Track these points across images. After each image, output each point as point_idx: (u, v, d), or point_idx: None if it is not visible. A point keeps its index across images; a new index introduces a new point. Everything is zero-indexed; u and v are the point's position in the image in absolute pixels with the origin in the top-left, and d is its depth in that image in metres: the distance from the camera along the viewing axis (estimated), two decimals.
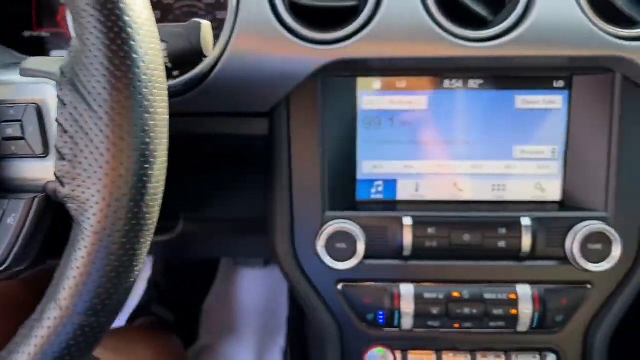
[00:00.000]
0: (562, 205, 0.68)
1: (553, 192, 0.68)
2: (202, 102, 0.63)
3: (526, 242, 0.64)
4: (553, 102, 0.66)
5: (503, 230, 0.64)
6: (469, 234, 0.64)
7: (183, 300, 1.39)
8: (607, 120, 0.63)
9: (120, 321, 1.45)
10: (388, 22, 0.58)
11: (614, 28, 0.59)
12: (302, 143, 0.65)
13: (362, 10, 0.59)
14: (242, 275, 1.53)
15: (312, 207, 0.65)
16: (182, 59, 0.48)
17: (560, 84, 0.65)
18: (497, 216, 0.65)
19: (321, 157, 0.64)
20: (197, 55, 0.48)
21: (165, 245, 0.93)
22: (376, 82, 0.66)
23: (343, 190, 0.68)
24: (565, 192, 0.68)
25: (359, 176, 0.69)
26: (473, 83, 0.66)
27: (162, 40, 0.47)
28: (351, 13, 0.60)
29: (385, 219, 0.65)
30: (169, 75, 0.59)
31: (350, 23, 0.59)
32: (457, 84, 0.66)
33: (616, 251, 0.63)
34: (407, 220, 0.65)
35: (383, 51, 0.59)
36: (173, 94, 0.62)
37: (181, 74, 0.60)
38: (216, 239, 0.92)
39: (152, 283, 1.41)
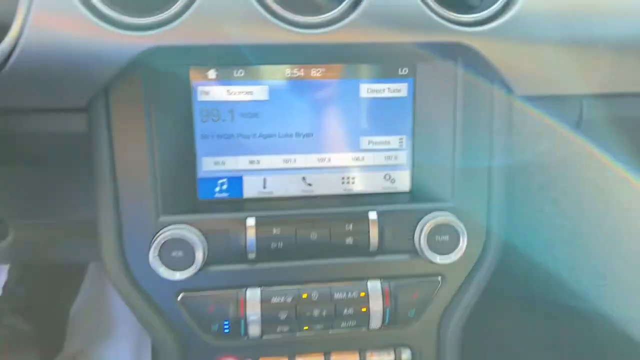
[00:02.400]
0: (412, 196, 0.66)
1: (402, 183, 0.66)
2: (5, 94, 0.54)
3: (374, 236, 0.61)
4: (398, 90, 0.63)
5: (350, 226, 0.61)
6: (316, 231, 0.61)
7: (45, 307, 1.27)
8: (451, 108, 0.62)
9: None
10: (211, 6, 0.52)
11: (451, 13, 0.57)
12: (126, 141, 0.57)
13: None
14: None
15: (142, 212, 0.59)
16: None
17: (404, 71, 0.63)
18: (344, 211, 0.62)
19: (150, 156, 0.58)
20: None
21: (2, 253, 0.82)
22: (211, 72, 0.60)
23: (183, 191, 0.62)
24: (414, 182, 0.66)
25: (199, 174, 0.63)
26: (315, 71, 0.61)
27: None
28: None
29: (227, 221, 0.60)
30: None
31: (169, 6, 0.52)
32: (299, 72, 0.61)
33: (463, 242, 0.62)
34: (250, 221, 0.60)
35: (204, 38, 0.53)
36: None
37: None
38: (58, 243, 0.82)
39: (7, 292, 1.28)
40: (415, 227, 0.62)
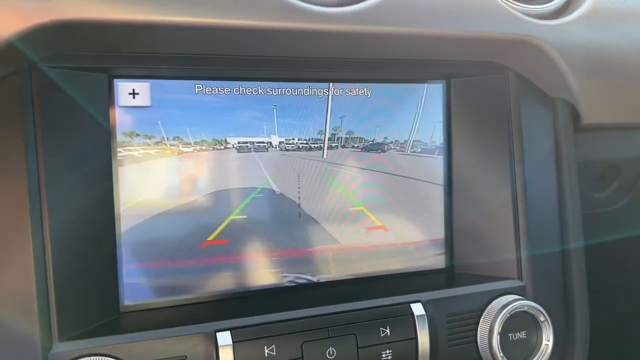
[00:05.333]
0: (449, 274, 0.44)
1: (435, 253, 0.44)
2: None
3: (424, 342, 0.38)
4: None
5: (386, 330, 0.37)
6: (335, 347, 0.36)
7: None
8: (503, 138, 0.43)
9: None
10: None
11: (519, 4, 0.40)
12: None
13: None
14: None
15: (21, 339, 0.31)
16: None
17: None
18: (366, 308, 0.38)
19: (35, 235, 0.31)
20: None
21: None
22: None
23: (94, 293, 0.35)
24: (453, 253, 0.45)
25: (125, 265, 0.36)
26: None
27: None
28: None
29: (180, 341, 0.34)
30: None
31: None
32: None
33: (547, 340, 0.41)
34: (224, 338, 0.34)
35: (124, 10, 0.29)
36: None
37: None
38: None
39: None
40: (478, 322, 0.40)
